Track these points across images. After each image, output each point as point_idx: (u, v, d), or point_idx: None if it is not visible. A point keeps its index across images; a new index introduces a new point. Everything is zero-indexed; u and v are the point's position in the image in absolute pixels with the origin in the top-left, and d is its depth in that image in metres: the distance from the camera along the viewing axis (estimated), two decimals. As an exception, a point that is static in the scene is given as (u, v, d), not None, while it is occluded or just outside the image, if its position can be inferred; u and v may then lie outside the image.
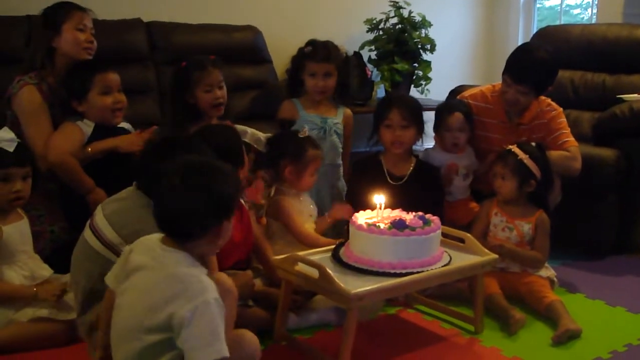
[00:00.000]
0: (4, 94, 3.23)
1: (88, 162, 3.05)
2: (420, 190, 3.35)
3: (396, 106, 3.38)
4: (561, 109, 3.61)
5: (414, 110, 3.41)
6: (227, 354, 1.86)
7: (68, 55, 3.21)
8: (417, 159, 3.50)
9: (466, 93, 3.81)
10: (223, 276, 2.34)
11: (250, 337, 2.21)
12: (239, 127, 3.44)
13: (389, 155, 3.46)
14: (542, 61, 3.47)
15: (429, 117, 3.75)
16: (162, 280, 1.93)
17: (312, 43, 3.63)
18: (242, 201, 2.95)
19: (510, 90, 3.47)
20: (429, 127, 3.53)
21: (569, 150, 3.50)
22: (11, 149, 2.65)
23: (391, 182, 3.39)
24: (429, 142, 3.78)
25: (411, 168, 3.44)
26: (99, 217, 2.42)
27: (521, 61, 3.49)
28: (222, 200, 1.99)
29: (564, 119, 3.60)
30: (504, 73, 3.52)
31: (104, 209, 2.44)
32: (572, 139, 3.55)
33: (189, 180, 1.99)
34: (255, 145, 3.44)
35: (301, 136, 3.17)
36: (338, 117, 3.68)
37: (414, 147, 3.49)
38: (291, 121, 3.29)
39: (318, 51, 3.58)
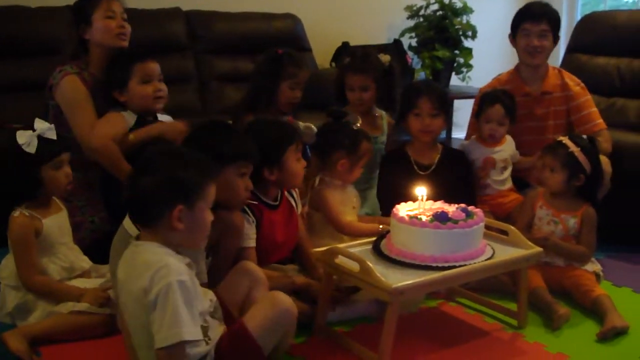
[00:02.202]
0: (45, 84, 3.24)
1: (129, 153, 3.03)
2: (449, 177, 3.33)
3: (426, 94, 3.32)
4: (584, 85, 3.72)
5: (443, 99, 3.39)
6: (187, 337, 1.89)
7: (102, 44, 3.19)
8: (443, 147, 3.47)
9: (484, 87, 3.83)
10: (251, 265, 2.47)
11: (283, 296, 2.22)
12: None
13: (415, 145, 3.42)
14: (549, 5, 3.74)
15: (471, 105, 3.71)
16: (138, 273, 1.95)
17: (352, 53, 3.61)
18: (293, 203, 2.93)
19: (533, 37, 3.60)
20: (464, 117, 3.47)
21: (601, 134, 3.55)
22: (55, 137, 2.66)
23: (419, 172, 3.36)
24: (459, 131, 3.73)
25: (438, 156, 3.41)
26: None
27: (533, 6, 3.71)
28: (170, 183, 1.98)
29: (589, 96, 3.69)
30: (519, 25, 3.66)
31: None
32: (601, 120, 3.65)
33: (147, 165, 2.03)
34: None
35: (355, 128, 3.13)
36: (384, 133, 3.65)
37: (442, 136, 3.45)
38: (344, 112, 3.24)
39: (355, 62, 3.57)
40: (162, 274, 1.91)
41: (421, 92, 3.35)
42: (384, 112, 3.70)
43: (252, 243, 2.71)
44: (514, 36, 3.71)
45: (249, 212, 2.72)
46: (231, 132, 2.64)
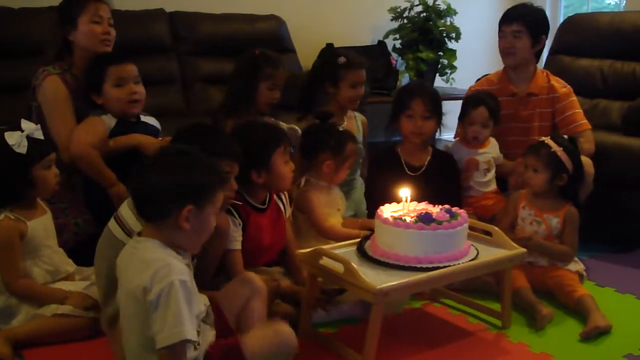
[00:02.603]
0: (29, 86, 3.22)
1: (110, 157, 3.01)
2: (439, 179, 3.33)
3: (419, 96, 3.33)
4: (570, 87, 3.74)
5: (436, 101, 3.38)
6: (189, 336, 1.90)
7: (86, 48, 3.17)
8: (433, 149, 3.47)
9: (473, 85, 3.89)
10: (252, 275, 2.40)
11: (286, 328, 2.21)
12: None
13: (407, 146, 3.42)
14: (533, 5, 3.83)
15: (454, 106, 3.72)
16: (136, 270, 1.97)
17: (341, 53, 3.58)
18: (281, 207, 2.94)
19: (506, 38, 3.66)
20: (448, 118, 3.48)
21: (585, 134, 3.58)
22: (42, 137, 2.65)
23: (409, 173, 3.36)
24: (448, 133, 3.75)
25: (429, 158, 3.41)
26: (124, 208, 2.43)
27: (511, 8, 3.78)
28: (184, 183, 2.01)
29: (575, 98, 3.71)
30: (500, 27, 3.72)
31: (129, 201, 2.43)
32: (585, 120, 3.66)
33: (159, 163, 2.05)
34: None
35: (341, 129, 3.14)
36: (360, 132, 3.64)
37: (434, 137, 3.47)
38: (330, 113, 3.23)
39: (356, 59, 3.56)
40: (163, 273, 1.92)
41: (414, 94, 3.36)
42: (356, 112, 3.71)
43: (238, 245, 2.71)
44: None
45: (235, 214, 2.72)
46: (216, 131, 2.67)
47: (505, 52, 3.69)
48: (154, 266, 1.93)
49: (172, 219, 2.00)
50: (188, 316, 1.91)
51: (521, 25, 3.62)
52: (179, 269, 1.96)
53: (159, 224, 2.03)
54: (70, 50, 3.22)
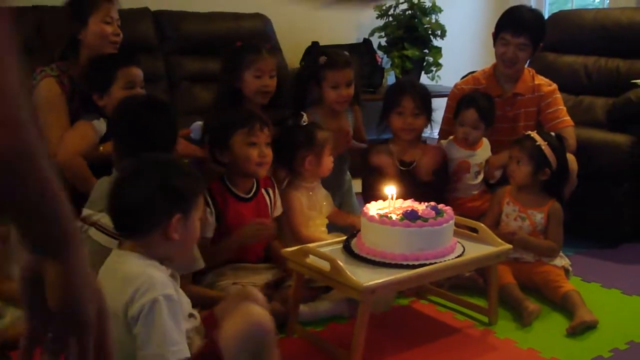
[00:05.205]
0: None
1: (97, 164, 2.91)
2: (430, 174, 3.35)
3: (409, 93, 3.33)
4: (556, 85, 3.71)
5: (426, 98, 3.38)
6: (172, 358, 1.77)
7: (93, 48, 3.12)
8: (423, 144, 3.48)
9: (459, 82, 3.85)
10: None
11: (258, 312, 2.00)
12: None
13: (398, 142, 3.42)
14: (536, 12, 3.74)
15: (440, 104, 3.72)
16: (117, 289, 1.81)
17: (324, 52, 3.46)
18: (267, 201, 2.94)
19: (510, 48, 3.56)
20: (437, 115, 3.48)
21: (567, 131, 3.53)
22: None
23: (401, 168, 3.36)
24: (436, 129, 3.76)
25: (420, 153, 3.41)
26: (103, 217, 2.43)
27: (517, 16, 3.63)
28: (170, 192, 1.90)
29: (559, 95, 3.69)
30: (500, 32, 3.61)
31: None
32: (568, 117, 3.63)
33: (138, 173, 1.95)
34: None
35: (304, 123, 3.12)
36: (351, 128, 3.56)
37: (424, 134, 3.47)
38: (289, 115, 3.23)
39: (337, 58, 3.40)
40: (145, 289, 1.79)
41: (404, 91, 3.36)
42: (348, 109, 3.61)
43: (209, 234, 2.74)
44: (494, 39, 3.66)
45: (210, 203, 2.73)
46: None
47: (507, 62, 3.58)
48: (136, 282, 1.80)
49: (160, 231, 1.88)
50: (175, 333, 1.78)
51: (528, 39, 3.53)
52: (162, 282, 1.83)
53: (144, 238, 1.90)
54: (76, 49, 3.16)
